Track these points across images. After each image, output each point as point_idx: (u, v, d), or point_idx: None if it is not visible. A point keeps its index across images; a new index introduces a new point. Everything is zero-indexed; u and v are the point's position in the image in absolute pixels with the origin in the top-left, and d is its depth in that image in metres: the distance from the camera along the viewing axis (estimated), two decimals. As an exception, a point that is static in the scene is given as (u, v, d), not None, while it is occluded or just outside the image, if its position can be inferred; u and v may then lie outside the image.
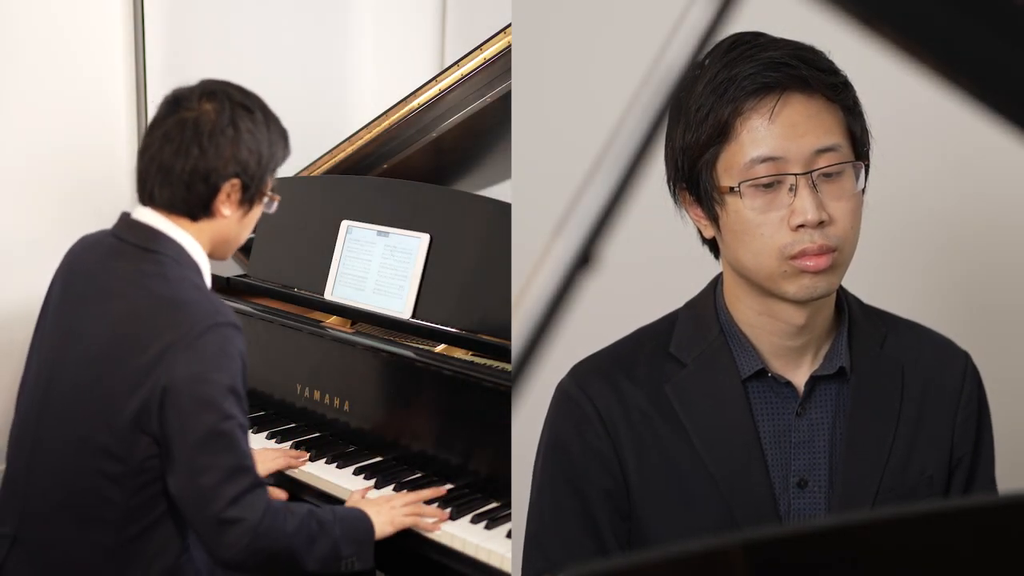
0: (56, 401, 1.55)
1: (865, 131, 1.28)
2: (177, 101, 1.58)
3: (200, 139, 1.54)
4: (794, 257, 1.23)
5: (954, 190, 1.98)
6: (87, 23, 2.43)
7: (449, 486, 1.84)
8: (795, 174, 1.22)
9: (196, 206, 1.56)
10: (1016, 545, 0.81)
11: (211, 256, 1.63)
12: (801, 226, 1.22)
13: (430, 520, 1.74)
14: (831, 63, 1.26)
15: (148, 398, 1.46)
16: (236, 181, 1.57)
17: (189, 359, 1.46)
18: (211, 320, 1.49)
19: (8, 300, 2.35)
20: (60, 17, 2.37)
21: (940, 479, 1.36)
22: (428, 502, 1.79)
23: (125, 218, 1.61)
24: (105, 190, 2.50)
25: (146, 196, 1.58)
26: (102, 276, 1.58)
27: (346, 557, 1.61)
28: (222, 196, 1.57)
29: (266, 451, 1.98)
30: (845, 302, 1.36)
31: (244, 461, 1.50)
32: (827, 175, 1.23)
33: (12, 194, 2.34)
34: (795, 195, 1.22)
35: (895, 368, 1.36)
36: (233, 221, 1.61)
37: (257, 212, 1.66)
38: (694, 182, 1.28)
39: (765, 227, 1.23)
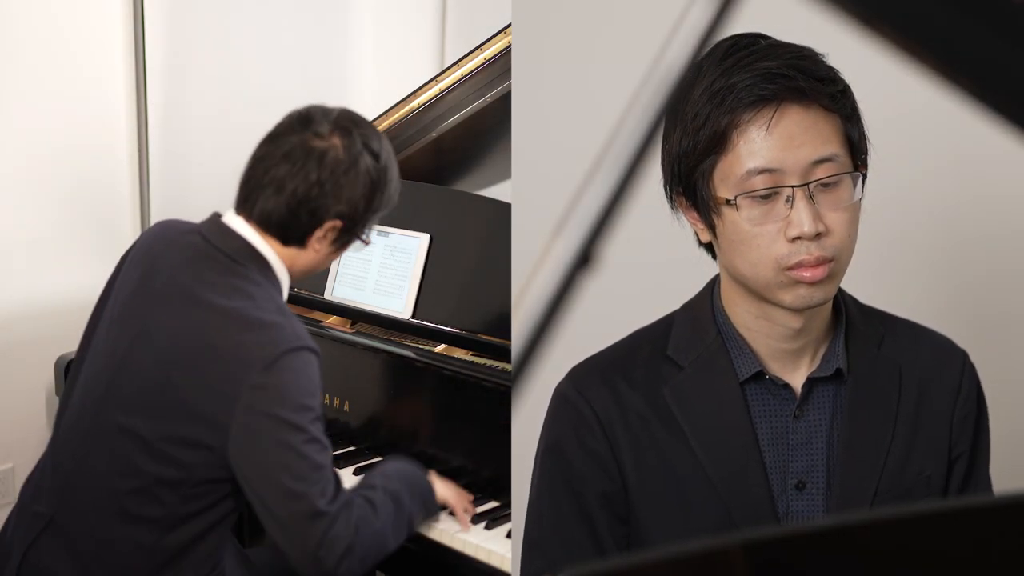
0: (120, 396, 1.52)
1: (863, 137, 1.28)
2: (308, 121, 1.54)
3: (321, 172, 1.51)
4: (791, 268, 1.23)
5: (954, 190, 1.98)
6: (87, 23, 2.43)
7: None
8: (792, 186, 1.22)
9: (292, 234, 1.54)
10: (1016, 545, 0.81)
11: None
12: (798, 238, 1.22)
13: (463, 514, 1.75)
14: (829, 70, 1.25)
15: (221, 417, 1.44)
16: (339, 223, 1.55)
17: (270, 383, 1.43)
18: (292, 344, 1.46)
19: (8, 300, 2.35)
20: (60, 17, 2.37)
21: (938, 479, 1.36)
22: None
23: (216, 221, 1.58)
24: (105, 190, 2.50)
25: (246, 205, 1.55)
26: (187, 279, 1.53)
27: (416, 516, 1.64)
28: (320, 233, 1.55)
29: None
30: (842, 303, 1.36)
31: (332, 481, 1.49)
32: (824, 185, 1.23)
33: (12, 194, 2.34)
34: (792, 206, 1.22)
35: (892, 369, 1.36)
36: (319, 256, 1.60)
37: (344, 250, 1.64)
38: (691, 189, 1.28)
39: (761, 238, 1.23)
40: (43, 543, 1.55)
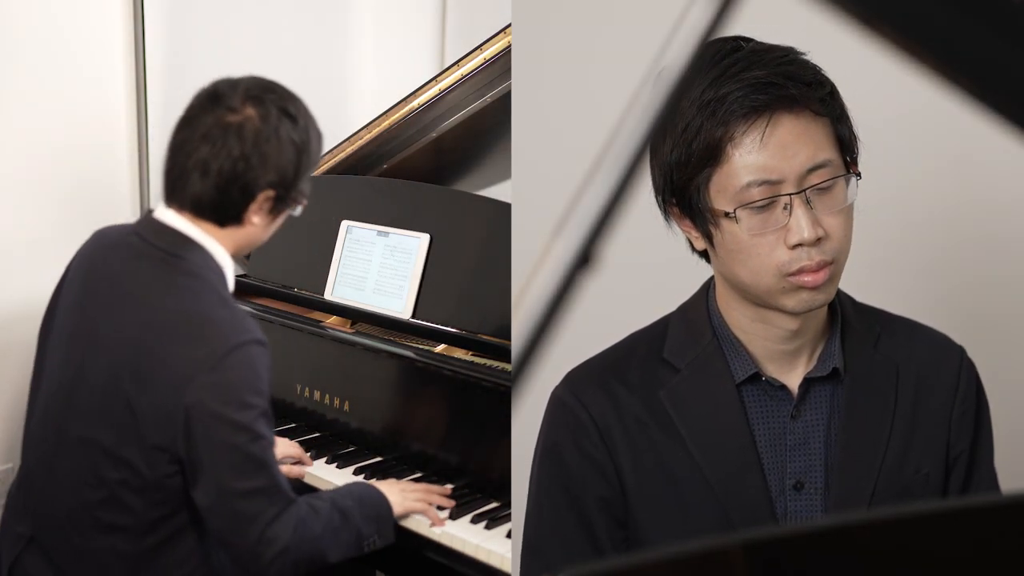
0: (78, 408, 1.52)
1: (853, 135, 1.28)
2: (217, 98, 1.51)
3: (243, 146, 1.48)
4: (792, 274, 1.23)
5: (954, 190, 1.98)
6: (87, 23, 2.43)
7: (450, 486, 1.84)
8: (790, 194, 1.22)
9: (227, 214, 1.52)
10: (1016, 545, 0.81)
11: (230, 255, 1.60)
12: (798, 245, 1.22)
13: (438, 511, 1.74)
14: (815, 72, 1.25)
15: (172, 419, 1.44)
16: (271, 192, 1.53)
17: (216, 381, 1.43)
18: (237, 339, 1.45)
19: (8, 300, 2.35)
20: (60, 17, 2.37)
21: (936, 476, 1.36)
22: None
23: (149, 218, 1.56)
24: (105, 190, 2.50)
25: (175, 195, 1.52)
26: (127, 281, 1.53)
27: (367, 538, 1.63)
28: (255, 205, 1.53)
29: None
30: (838, 302, 1.36)
31: (277, 481, 1.49)
32: (820, 189, 1.23)
33: (12, 194, 2.33)
34: (790, 214, 1.22)
35: (889, 367, 1.36)
36: (260, 228, 1.58)
37: (283, 217, 1.62)
38: (685, 201, 1.28)
39: (762, 247, 1.23)
40: (26, 560, 1.57)
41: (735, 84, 1.21)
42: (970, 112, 0.73)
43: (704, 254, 1.34)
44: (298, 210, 1.63)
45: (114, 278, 1.55)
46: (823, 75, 1.26)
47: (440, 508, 1.76)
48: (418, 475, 1.88)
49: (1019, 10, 0.68)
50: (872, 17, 0.68)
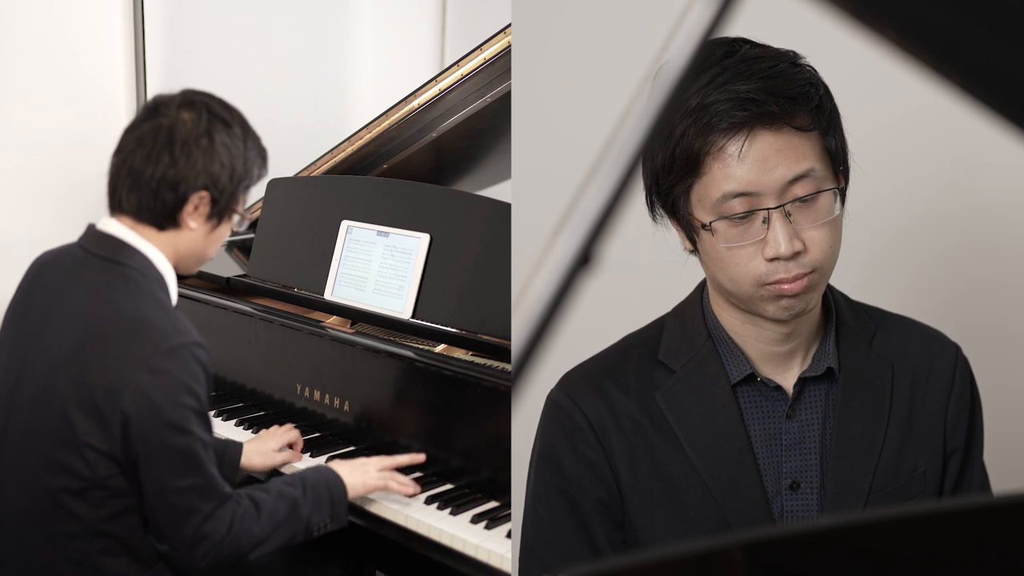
0: (19, 416, 1.54)
1: (842, 145, 1.26)
2: (156, 107, 1.56)
3: (172, 147, 1.52)
4: (770, 283, 1.23)
5: (951, 192, 1.98)
6: (87, 23, 2.43)
7: (422, 458, 1.86)
8: (768, 208, 1.21)
9: (162, 215, 1.54)
10: (1016, 545, 0.81)
11: (176, 270, 1.61)
12: (775, 258, 1.22)
13: (401, 485, 1.77)
14: (804, 84, 1.22)
15: (109, 421, 1.46)
16: (205, 194, 1.55)
17: (152, 383, 1.45)
18: (173, 341, 1.47)
19: (8, 299, 2.35)
20: (61, 17, 2.37)
21: (933, 474, 1.36)
22: (406, 471, 1.84)
23: (91, 229, 1.59)
24: (105, 190, 2.50)
25: (115, 201, 1.56)
26: (67, 289, 1.55)
27: (317, 525, 1.66)
28: (189, 208, 1.55)
29: (262, 447, 1.98)
30: (832, 301, 1.36)
31: (210, 479, 1.52)
32: (802, 200, 1.22)
33: (12, 193, 2.34)
34: (768, 227, 1.21)
35: (884, 365, 1.35)
36: (199, 235, 1.59)
37: (225, 229, 1.63)
38: (670, 205, 1.28)
39: (739, 257, 1.23)
40: None
41: (720, 95, 1.20)
42: (969, 112, 0.73)
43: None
44: (243, 225, 1.66)
45: (55, 288, 1.57)
46: (813, 85, 1.23)
47: (442, 505, 1.76)
48: (418, 475, 1.88)
49: (1019, 10, 0.68)
50: (872, 17, 0.67)
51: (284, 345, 2.13)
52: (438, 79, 2.17)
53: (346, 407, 2.03)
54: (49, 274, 1.61)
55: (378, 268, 2.10)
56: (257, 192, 2.41)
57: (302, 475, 1.71)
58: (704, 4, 0.66)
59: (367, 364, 2.00)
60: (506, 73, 2.05)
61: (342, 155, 2.42)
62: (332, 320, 2.15)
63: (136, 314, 1.50)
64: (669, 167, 1.24)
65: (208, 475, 1.51)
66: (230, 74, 2.73)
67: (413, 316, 2.02)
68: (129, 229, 1.56)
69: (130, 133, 1.56)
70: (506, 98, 2.10)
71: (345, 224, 2.17)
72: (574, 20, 2.02)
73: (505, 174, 2.68)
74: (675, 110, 1.21)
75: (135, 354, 1.46)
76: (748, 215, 1.22)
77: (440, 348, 1.97)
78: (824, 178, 1.23)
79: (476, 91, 2.17)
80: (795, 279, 1.22)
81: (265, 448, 1.94)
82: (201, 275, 2.40)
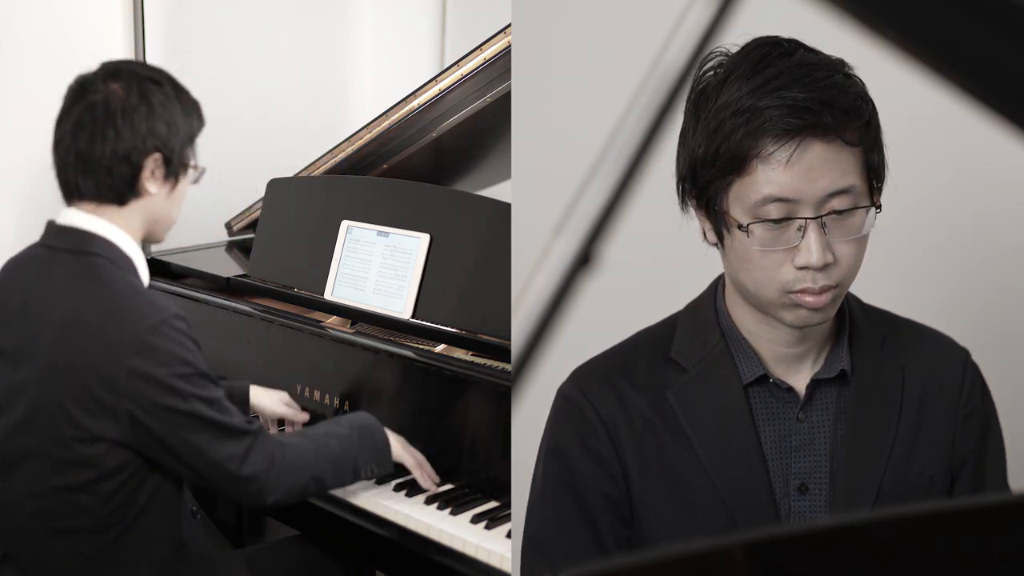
0: (17, 418, 1.53)
1: (882, 163, 1.27)
2: (82, 87, 1.55)
3: (113, 120, 1.51)
4: (795, 292, 1.24)
5: (953, 191, 1.98)
6: (87, 23, 2.43)
7: (436, 481, 1.85)
8: (806, 217, 1.22)
9: (122, 189, 1.54)
10: (1016, 545, 0.81)
11: (147, 239, 1.62)
12: (805, 267, 1.22)
13: (427, 472, 1.81)
14: (857, 98, 1.23)
15: (114, 409, 1.46)
16: (157, 156, 1.55)
17: (144, 362, 1.46)
18: (153, 319, 1.48)
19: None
20: (61, 17, 2.37)
21: (941, 479, 1.36)
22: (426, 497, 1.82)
23: (52, 226, 1.59)
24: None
25: (71, 191, 1.56)
26: (39, 289, 1.55)
27: (365, 465, 1.71)
28: (146, 173, 1.55)
29: (270, 393, 2.01)
30: (845, 303, 1.36)
31: (229, 426, 1.53)
32: (838, 213, 1.22)
33: (12, 193, 2.34)
34: (803, 235, 1.22)
35: (895, 369, 1.36)
36: (161, 198, 1.59)
37: (184, 186, 1.63)
38: (704, 198, 1.28)
39: (769, 261, 1.23)
40: (5, 574, 1.59)
41: (774, 100, 1.20)
42: (969, 112, 0.73)
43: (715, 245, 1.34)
44: (200, 179, 1.66)
45: (27, 291, 1.56)
46: (864, 100, 1.24)
47: (443, 505, 1.77)
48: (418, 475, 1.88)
49: (1019, 10, 0.68)
50: (872, 17, 0.68)
51: (284, 345, 2.13)
52: (438, 79, 2.17)
53: (346, 407, 2.03)
54: (18, 280, 1.60)
55: (378, 268, 2.10)
56: (257, 192, 2.43)
57: (347, 417, 1.77)
58: (704, 4, 0.66)
59: (367, 364, 2.00)
60: (506, 73, 2.05)
61: (342, 155, 2.42)
62: (332, 320, 2.15)
63: (112, 302, 1.50)
64: (711, 161, 1.24)
65: (225, 424, 1.52)
66: (230, 74, 2.73)
67: (413, 316, 2.02)
68: (90, 215, 1.55)
69: (64, 121, 1.55)
70: (506, 98, 2.10)
71: (345, 224, 2.17)
72: (574, 20, 2.02)
73: (505, 174, 2.68)
74: (720, 102, 1.22)
75: (120, 339, 1.46)
76: (783, 221, 1.22)
77: (440, 348, 1.96)
78: (862, 194, 1.24)
79: (476, 91, 2.16)
80: (821, 291, 1.23)
81: (273, 395, 2.00)
82: (201, 275, 2.40)
